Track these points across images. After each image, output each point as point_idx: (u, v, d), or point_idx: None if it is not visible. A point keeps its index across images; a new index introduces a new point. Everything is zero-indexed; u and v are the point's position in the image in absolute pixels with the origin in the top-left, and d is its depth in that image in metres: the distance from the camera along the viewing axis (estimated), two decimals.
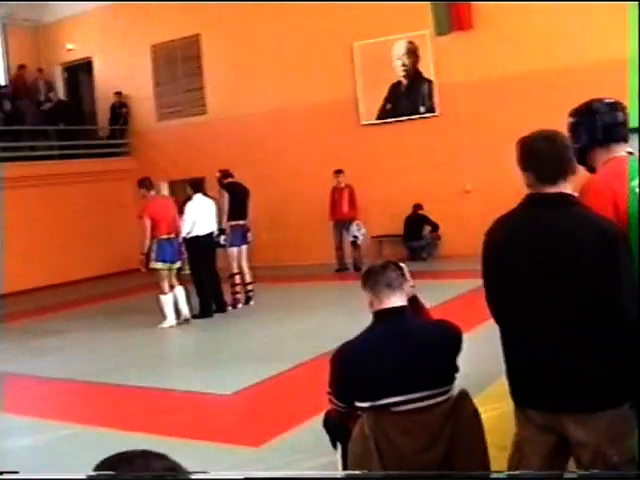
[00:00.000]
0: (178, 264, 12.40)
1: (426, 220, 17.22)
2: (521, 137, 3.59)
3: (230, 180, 13.48)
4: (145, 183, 12.44)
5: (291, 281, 16.42)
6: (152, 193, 12.42)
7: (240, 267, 13.36)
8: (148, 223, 11.88)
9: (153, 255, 11.93)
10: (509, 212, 3.60)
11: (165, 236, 12.01)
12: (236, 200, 13.11)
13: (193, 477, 1.84)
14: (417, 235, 17.26)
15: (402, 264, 4.26)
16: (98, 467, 1.79)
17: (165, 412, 7.63)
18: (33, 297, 17.51)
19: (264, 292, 14.09)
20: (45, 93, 23.03)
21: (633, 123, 4.28)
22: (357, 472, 3.64)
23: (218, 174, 13.65)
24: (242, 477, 2.06)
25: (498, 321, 3.56)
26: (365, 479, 3.94)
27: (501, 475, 3.65)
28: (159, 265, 12.01)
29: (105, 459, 1.80)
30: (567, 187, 3.44)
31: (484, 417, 3.99)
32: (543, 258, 3.31)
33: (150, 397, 8.22)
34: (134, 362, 10.10)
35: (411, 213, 17.27)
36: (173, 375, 9.20)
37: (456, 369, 3.91)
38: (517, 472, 3.49)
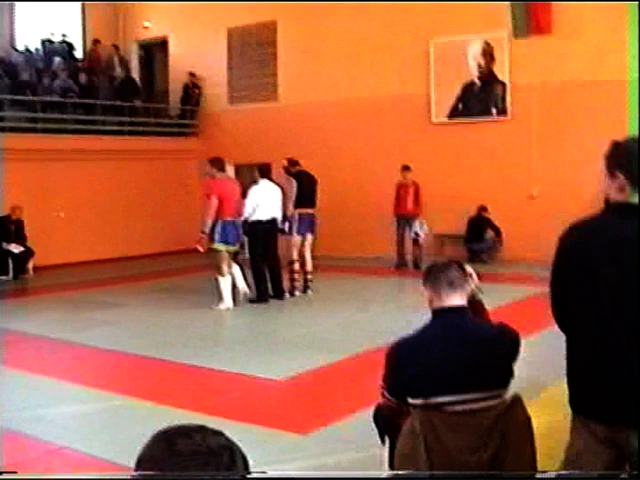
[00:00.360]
0: (237, 246, 12.41)
1: (489, 223, 17.08)
2: (615, 140, 3.40)
3: (298, 169, 13.46)
4: (217, 163, 12.42)
5: (350, 273, 16.38)
6: (222, 174, 12.40)
7: (302, 255, 13.35)
8: (215, 202, 11.85)
9: (217, 236, 11.91)
10: (588, 218, 3.45)
11: (229, 218, 12.02)
12: (304, 188, 13.09)
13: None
14: (479, 237, 17.13)
15: (467, 266, 4.20)
16: (155, 437, 1.78)
17: (214, 392, 7.66)
18: (92, 269, 17.73)
19: (322, 282, 14.08)
20: (119, 69, 23.28)
21: None
22: (357, 472, 3.60)
23: (285, 162, 13.61)
24: (242, 477, 2.05)
25: (565, 328, 3.44)
26: (365, 479, 3.91)
27: (549, 475, 3.59)
28: (221, 247, 12.01)
29: (163, 430, 1.79)
30: None
31: (535, 424, 3.92)
32: (623, 269, 3.15)
33: (200, 376, 8.25)
34: (186, 340, 10.16)
35: (475, 215, 17.13)
36: (224, 356, 9.21)
37: (512, 373, 3.85)
38: (564, 472, 3.40)
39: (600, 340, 3.21)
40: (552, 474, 3.57)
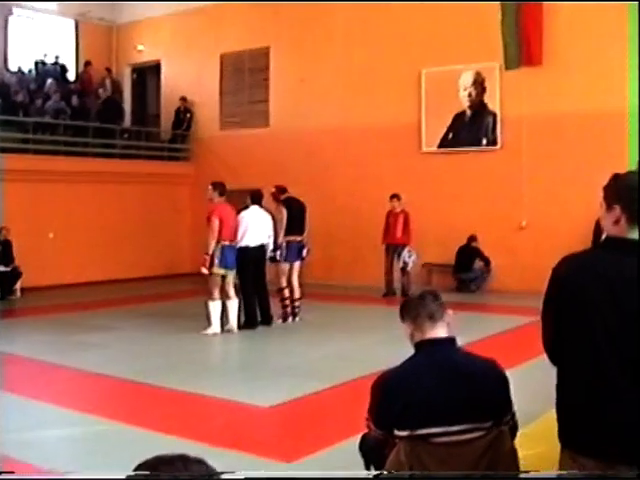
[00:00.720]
0: (234, 271, 12.38)
1: (479, 253, 17.14)
2: (616, 173, 3.39)
3: (287, 195, 13.50)
4: (219, 187, 12.39)
5: (338, 300, 16.40)
6: (220, 199, 12.39)
7: (290, 282, 13.36)
8: (216, 224, 11.86)
9: (216, 261, 11.91)
10: (583, 251, 3.47)
11: (228, 242, 12.05)
12: (293, 215, 13.12)
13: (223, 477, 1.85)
14: (468, 267, 17.18)
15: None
16: (138, 467, 1.81)
17: (201, 418, 7.65)
18: (81, 291, 17.74)
19: (311, 309, 14.08)
20: (111, 91, 23.38)
21: None
22: (358, 472, 3.61)
23: (274, 189, 13.64)
24: (242, 477, 2.06)
25: (556, 360, 3.44)
26: (362, 479, 3.91)
27: (549, 475, 3.60)
28: (221, 271, 12.03)
29: (145, 461, 1.81)
30: None
31: (522, 455, 3.93)
32: (619, 305, 3.12)
33: (187, 401, 8.23)
34: (175, 365, 10.14)
35: (464, 244, 17.19)
36: (212, 382, 9.20)
37: (504, 406, 3.85)
38: (564, 472, 3.36)
39: (593, 374, 3.18)
40: (552, 474, 3.56)
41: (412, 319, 3.92)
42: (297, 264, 13.49)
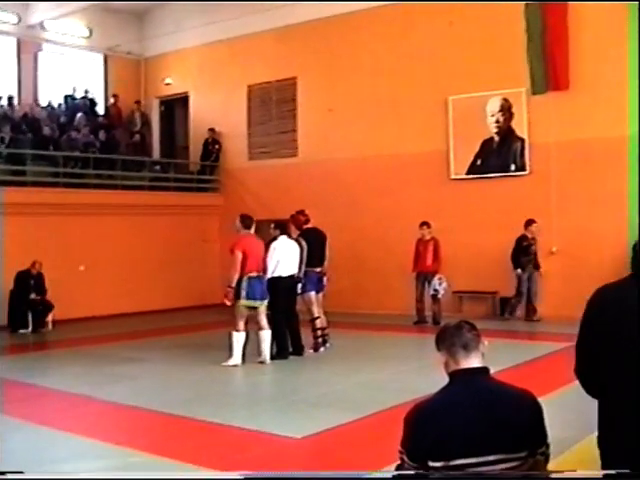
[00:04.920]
0: (265, 302, 12.35)
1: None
2: None
3: (307, 226, 13.51)
4: (246, 219, 12.37)
5: (369, 329, 16.36)
6: (246, 231, 12.38)
7: (312, 312, 13.33)
8: (239, 256, 11.80)
9: (243, 292, 11.87)
10: (618, 283, 3.42)
11: (255, 273, 12.03)
12: (312, 246, 13.11)
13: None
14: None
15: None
16: None
17: (234, 450, 7.61)
18: (112, 323, 17.81)
19: (341, 338, 14.06)
20: (140, 125, 23.60)
21: None
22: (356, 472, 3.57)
23: (296, 215, 13.65)
24: (242, 477, 2.03)
25: (592, 390, 3.37)
26: (360, 479, 3.86)
27: (549, 475, 3.54)
28: (249, 302, 12.00)
29: None
30: None
31: None
32: None
33: (219, 433, 8.21)
34: (206, 397, 10.12)
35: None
36: (244, 413, 9.17)
37: (539, 435, 3.81)
38: (567, 471, 3.30)
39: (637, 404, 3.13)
40: (552, 474, 3.51)
41: (447, 348, 3.90)
42: (319, 295, 13.49)
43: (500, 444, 3.68)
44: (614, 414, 3.24)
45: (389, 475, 3.83)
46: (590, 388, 3.39)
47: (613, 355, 3.21)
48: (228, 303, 12.03)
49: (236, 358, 12.02)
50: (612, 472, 3.15)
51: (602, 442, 3.33)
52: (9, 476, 3.78)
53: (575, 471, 3.25)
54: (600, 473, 3.18)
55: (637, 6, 14.57)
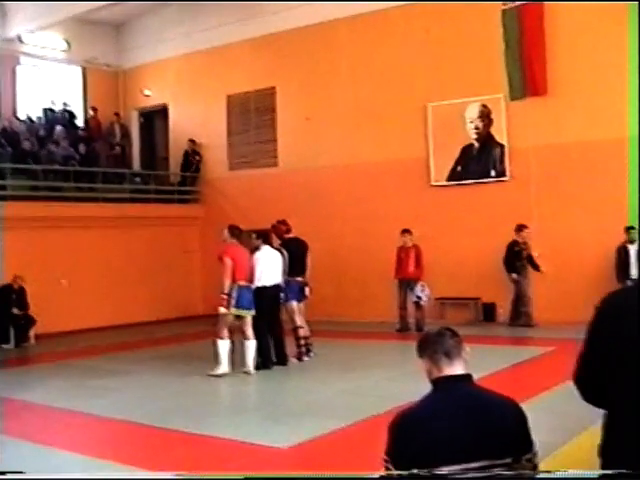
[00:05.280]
0: (252, 311, 12.34)
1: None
2: None
3: (288, 236, 13.52)
4: (234, 230, 12.41)
5: (352, 337, 16.35)
6: (232, 240, 12.36)
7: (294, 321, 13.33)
8: (229, 262, 11.82)
9: (233, 301, 11.88)
10: (626, 289, 3.38)
11: (244, 282, 12.03)
12: (293, 256, 13.11)
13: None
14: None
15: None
16: None
17: (218, 460, 7.59)
18: (94, 336, 17.74)
19: (324, 347, 14.04)
20: (120, 137, 23.55)
21: None
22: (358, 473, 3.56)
23: (277, 225, 13.65)
24: (242, 477, 2.01)
25: (597, 400, 3.35)
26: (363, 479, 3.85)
27: (549, 475, 3.54)
28: (239, 311, 12.00)
29: None
30: None
31: None
32: None
33: (203, 444, 8.17)
34: (189, 408, 10.09)
35: None
36: (228, 424, 9.15)
37: (521, 443, 3.80)
38: (570, 471, 3.28)
39: None
40: (552, 474, 3.50)
41: (429, 356, 3.89)
42: (301, 304, 13.48)
43: (485, 450, 3.67)
44: (626, 424, 3.20)
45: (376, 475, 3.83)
46: (591, 396, 3.37)
47: (628, 364, 3.17)
48: (224, 310, 11.99)
49: (223, 366, 11.99)
50: (610, 472, 3.12)
51: (606, 452, 3.29)
52: (9, 476, 3.76)
53: (567, 471, 3.23)
54: (596, 473, 3.15)
55: (637, 6, 14.61)
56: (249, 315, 12.23)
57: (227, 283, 11.87)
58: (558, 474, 3.41)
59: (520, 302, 16.52)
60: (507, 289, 16.73)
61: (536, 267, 16.43)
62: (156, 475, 6.80)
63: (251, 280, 12.28)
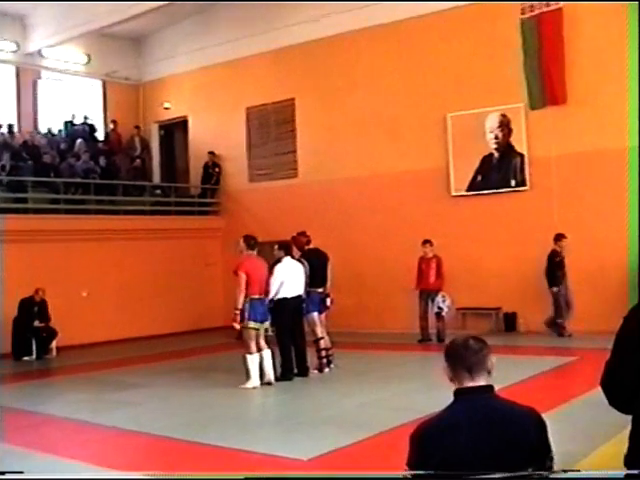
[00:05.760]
0: (267, 324, 12.35)
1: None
2: None
3: (308, 247, 13.51)
4: (249, 240, 12.40)
5: (372, 349, 16.28)
6: (249, 252, 12.39)
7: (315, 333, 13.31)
8: (243, 277, 11.82)
9: (246, 314, 11.89)
10: None
11: (257, 296, 12.02)
12: (314, 268, 13.10)
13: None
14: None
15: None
16: None
17: (240, 472, 7.56)
18: (116, 349, 17.76)
19: (345, 358, 14.00)
20: (140, 150, 23.64)
21: None
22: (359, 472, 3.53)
23: (297, 237, 13.65)
24: (243, 477, 2.00)
25: (624, 406, 3.33)
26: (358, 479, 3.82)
27: (549, 475, 3.50)
28: (252, 324, 11.98)
29: None
30: None
31: None
32: None
33: (225, 456, 8.14)
34: (210, 420, 10.06)
35: None
36: (250, 436, 9.11)
37: (542, 452, 3.77)
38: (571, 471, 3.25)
39: None
40: (554, 474, 3.46)
41: (451, 366, 3.87)
42: (322, 315, 13.46)
43: (505, 462, 3.65)
44: None
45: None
46: (617, 402, 3.35)
47: None
48: (237, 326, 12.03)
49: (254, 380, 11.98)
50: (636, 472, 3.10)
51: (632, 461, 3.26)
52: (9, 476, 3.75)
53: (579, 471, 3.20)
54: (622, 473, 3.12)
55: (637, 6, 14.52)
56: (262, 327, 12.23)
57: (240, 299, 11.87)
58: (570, 474, 3.39)
59: (557, 313, 16.21)
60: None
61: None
62: (157, 475, 6.79)
63: (266, 292, 12.26)
